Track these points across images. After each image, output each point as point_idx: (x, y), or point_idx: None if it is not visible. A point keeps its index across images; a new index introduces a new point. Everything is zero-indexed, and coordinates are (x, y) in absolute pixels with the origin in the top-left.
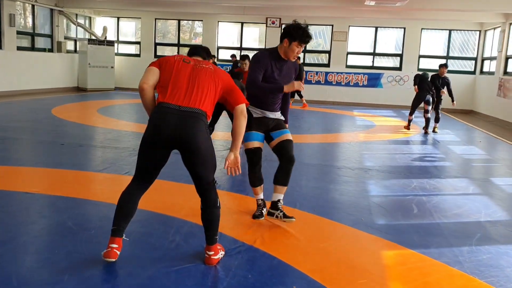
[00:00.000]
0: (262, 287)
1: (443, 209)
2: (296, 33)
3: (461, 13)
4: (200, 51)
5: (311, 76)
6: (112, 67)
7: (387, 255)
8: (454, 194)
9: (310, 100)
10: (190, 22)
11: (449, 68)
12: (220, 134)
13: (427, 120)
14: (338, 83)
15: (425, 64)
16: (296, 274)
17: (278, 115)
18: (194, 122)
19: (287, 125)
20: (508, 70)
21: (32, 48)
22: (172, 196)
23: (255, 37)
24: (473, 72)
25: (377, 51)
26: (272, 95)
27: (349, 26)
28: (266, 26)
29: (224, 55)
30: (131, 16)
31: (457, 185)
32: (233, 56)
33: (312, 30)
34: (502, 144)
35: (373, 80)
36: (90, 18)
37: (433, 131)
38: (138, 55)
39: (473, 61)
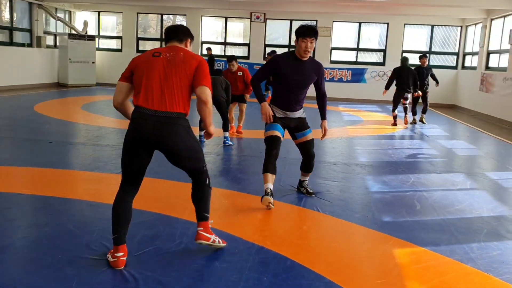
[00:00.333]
0: None
1: (445, 204)
2: (299, 30)
3: (443, 9)
4: (177, 34)
5: None
6: (93, 62)
7: (399, 253)
8: (453, 189)
9: None
10: (172, 16)
11: (431, 63)
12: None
13: (406, 109)
14: None
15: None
16: (311, 275)
17: (299, 113)
18: (172, 127)
19: (325, 122)
20: (490, 65)
21: (11, 43)
22: (173, 196)
23: (240, 32)
24: (455, 67)
25: (360, 47)
26: (293, 96)
27: (333, 21)
28: (251, 21)
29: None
30: (112, 10)
31: (454, 180)
32: (208, 49)
33: (296, 25)
34: (489, 138)
35: (357, 76)
36: (70, 12)
37: (420, 120)
38: (119, 50)
39: (455, 56)
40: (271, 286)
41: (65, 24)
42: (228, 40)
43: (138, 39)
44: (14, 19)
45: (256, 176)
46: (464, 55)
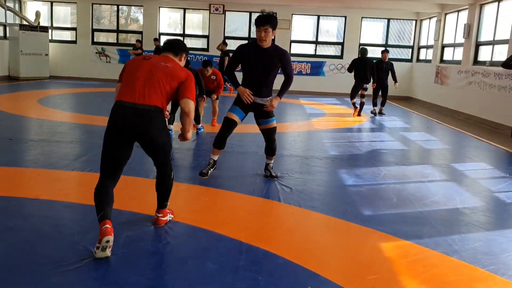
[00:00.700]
0: None
1: (419, 197)
2: (255, 20)
3: (399, 3)
4: (172, 48)
5: None
6: (46, 54)
7: (386, 247)
8: (424, 181)
9: None
10: (131, 7)
11: (388, 57)
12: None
13: (362, 104)
14: None
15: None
16: (306, 273)
17: (265, 100)
18: (149, 118)
19: (277, 99)
20: (444, 58)
21: None
22: (150, 193)
23: (198, 24)
24: (410, 60)
25: (319, 40)
26: (259, 82)
27: (292, 14)
28: (210, 12)
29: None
30: (66, 1)
31: (424, 172)
32: (155, 40)
33: (255, 17)
34: (447, 129)
35: (316, 69)
36: (20, 1)
37: (379, 112)
38: (74, 42)
39: (410, 49)
40: (268, 286)
41: (15, 14)
42: (187, 32)
43: (94, 30)
44: None
45: (232, 171)
46: (419, 48)
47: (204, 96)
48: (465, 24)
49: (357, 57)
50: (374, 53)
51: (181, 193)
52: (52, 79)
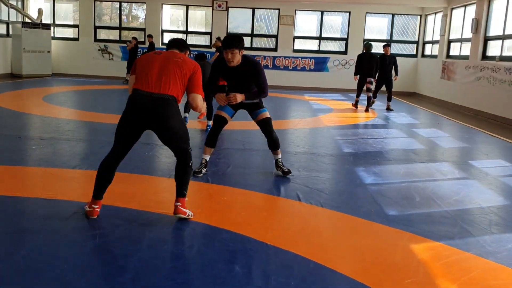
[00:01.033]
0: None
1: (442, 195)
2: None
3: None
4: (177, 45)
5: (259, 60)
6: (48, 51)
7: (417, 249)
8: (445, 179)
9: None
10: (132, 4)
11: (392, 52)
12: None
13: (369, 99)
14: (286, 68)
15: (376, 48)
16: (339, 277)
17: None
18: (164, 105)
19: (242, 95)
20: (451, 53)
21: None
22: (167, 193)
23: (201, 21)
24: (415, 55)
25: (323, 35)
26: (242, 91)
27: (296, 10)
28: (213, 9)
29: (169, 39)
30: None
31: (442, 170)
32: (149, 36)
33: (258, 13)
34: (457, 125)
35: (320, 64)
36: None
37: (387, 108)
38: (76, 39)
39: (415, 45)
40: None
41: (18, 12)
42: (189, 29)
43: (96, 27)
44: None
45: (245, 169)
46: (424, 43)
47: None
48: (473, 19)
49: (361, 52)
50: (379, 48)
51: (197, 192)
52: (55, 76)
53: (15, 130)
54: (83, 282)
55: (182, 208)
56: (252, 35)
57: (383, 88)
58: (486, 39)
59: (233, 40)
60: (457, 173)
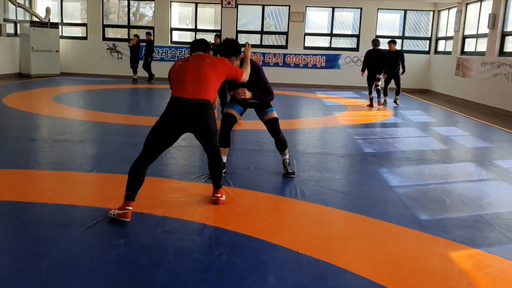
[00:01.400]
0: None
1: (473, 198)
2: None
3: None
4: (201, 46)
5: (269, 58)
6: (57, 51)
7: (457, 257)
8: (473, 180)
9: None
10: (140, 2)
11: (404, 48)
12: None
13: (378, 92)
14: (297, 65)
15: (382, 44)
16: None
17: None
18: (203, 109)
19: (250, 94)
20: (465, 49)
21: None
22: (187, 197)
23: (210, 18)
24: (428, 52)
25: (334, 32)
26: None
27: (306, 6)
28: (222, 6)
29: (177, 37)
30: None
31: (468, 170)
32: (148, 34)
33: (268, 10)
34: (476, 123)
35: (331, 61)
36: None
37: (394, 101)
38: (85, 38)
39: (427, 41)
40: None
41: (26, 11)
42: (198, 27)
43: (104, 26)
44: None
45: (264, 171)
46: (437, 39)
47: None
48: (489, 14)
49: (370, 48)
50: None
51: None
52: (63, 75)
53: (27, 132)
54: None
55: (221, 199)
56: (262, 32)
57: (392, 85)
58: (504, 35)
59: (229, 49)
60: (484, 174)
